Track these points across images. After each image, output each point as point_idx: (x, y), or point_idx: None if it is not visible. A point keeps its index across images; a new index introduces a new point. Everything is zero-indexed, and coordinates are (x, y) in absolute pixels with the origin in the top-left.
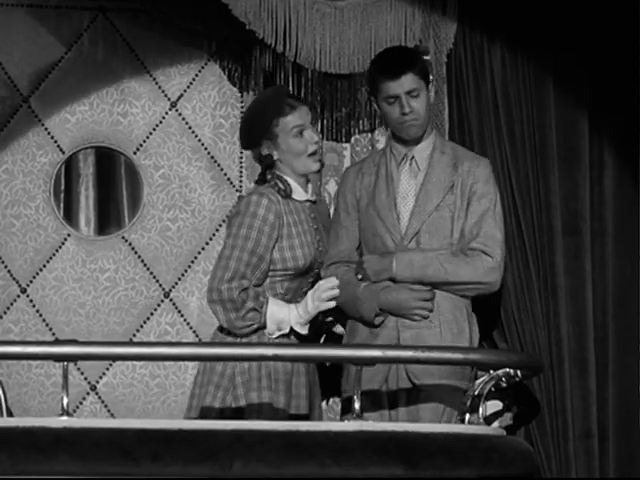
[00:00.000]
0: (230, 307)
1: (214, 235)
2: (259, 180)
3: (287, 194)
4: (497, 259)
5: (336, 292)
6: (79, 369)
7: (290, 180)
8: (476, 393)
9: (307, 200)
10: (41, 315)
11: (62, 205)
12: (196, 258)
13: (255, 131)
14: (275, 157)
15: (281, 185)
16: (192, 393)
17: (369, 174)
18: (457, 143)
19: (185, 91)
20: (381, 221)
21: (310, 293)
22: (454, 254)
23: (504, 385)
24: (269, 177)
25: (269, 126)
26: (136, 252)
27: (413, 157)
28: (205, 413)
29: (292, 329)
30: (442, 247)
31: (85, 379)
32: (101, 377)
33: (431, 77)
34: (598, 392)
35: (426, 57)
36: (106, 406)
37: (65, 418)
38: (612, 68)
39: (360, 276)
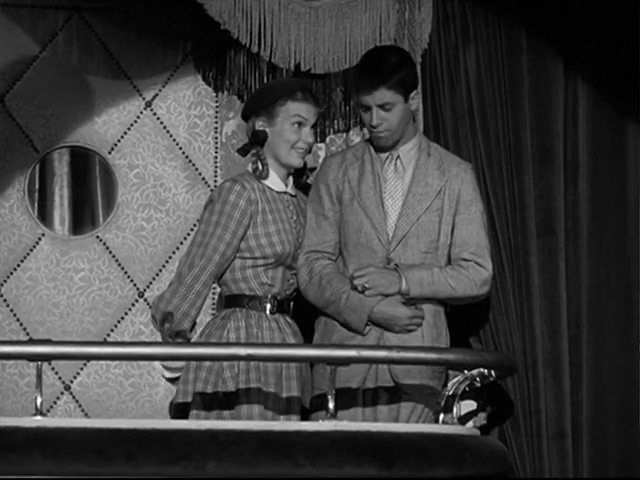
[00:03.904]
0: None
1: (189, 235)
2: (241, 150)
3: (262, 177)
4: (490, 271)
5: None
6: (53, 369)
7: (270, 167)
8: (450, 393)
9: (285, 192)
10: (15, 315)
11: (36, 204)
12: (170, 258)
13: (260, 99)
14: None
15: (259, 166)
16: (177, 390)
17: (352, 167)
18: None
19: (160, 91)
20: (368, 218)
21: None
22: (448, 265)
23: (478, 385)
24: (253, 151)
25: (275, 101)
26: (110, 252)
27: (398, 157)
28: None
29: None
30: (428, 250)
31: (59, 379)
32: (75, 377)
33: (415, 91)
34: (572, 392)
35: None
36: (80, 406)
37: (39, 418)
38: (588, 69)
39: (366, 287)
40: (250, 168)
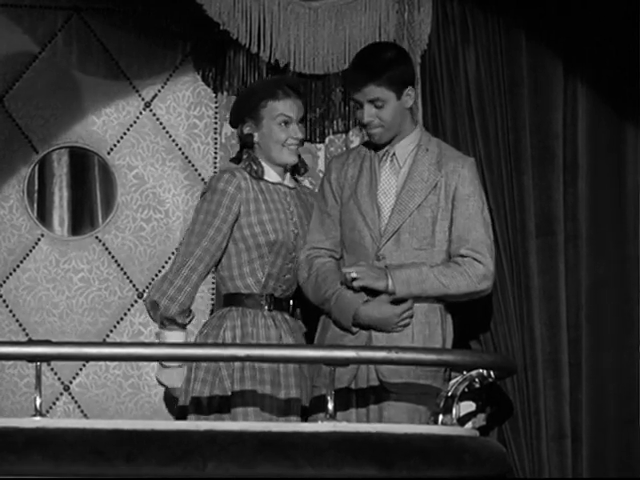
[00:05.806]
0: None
1: None
2: (235, 159)
3: (258, 176)
4: (489, 266)
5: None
6: (52, 369)
7: (264, 164)
8: (450, 394)
9: (281, 184)
10: (14, 315)
11: (36, 205)
12: (170, 258)
13: (243, 106)
14: (255, 139)
15: (254, 166)
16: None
17: (353, 166)
18: None
19: (159, 91)
20: (361, 216)
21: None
22: (444, 262)
23: (477, 386)
24: (245, 157)
25: (257, 105)
26: (110, 252)
27: (394, 153)
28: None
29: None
30: (421, 247)
31: (58, 379)
32: (74, 377)
33: (410, 87)
34: (571, 393)
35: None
36: (79, 406)
37: (38, 418)
38: (587, 70)
39: (354, 277)
40: (246, 169)
